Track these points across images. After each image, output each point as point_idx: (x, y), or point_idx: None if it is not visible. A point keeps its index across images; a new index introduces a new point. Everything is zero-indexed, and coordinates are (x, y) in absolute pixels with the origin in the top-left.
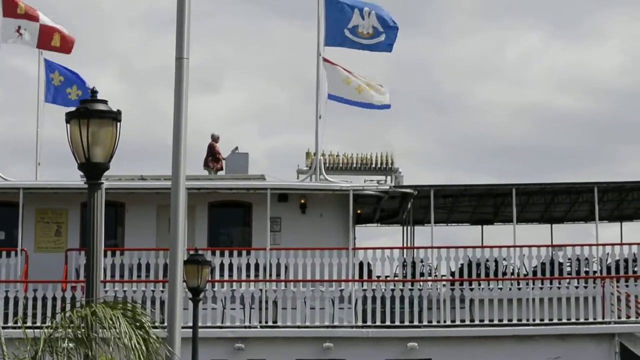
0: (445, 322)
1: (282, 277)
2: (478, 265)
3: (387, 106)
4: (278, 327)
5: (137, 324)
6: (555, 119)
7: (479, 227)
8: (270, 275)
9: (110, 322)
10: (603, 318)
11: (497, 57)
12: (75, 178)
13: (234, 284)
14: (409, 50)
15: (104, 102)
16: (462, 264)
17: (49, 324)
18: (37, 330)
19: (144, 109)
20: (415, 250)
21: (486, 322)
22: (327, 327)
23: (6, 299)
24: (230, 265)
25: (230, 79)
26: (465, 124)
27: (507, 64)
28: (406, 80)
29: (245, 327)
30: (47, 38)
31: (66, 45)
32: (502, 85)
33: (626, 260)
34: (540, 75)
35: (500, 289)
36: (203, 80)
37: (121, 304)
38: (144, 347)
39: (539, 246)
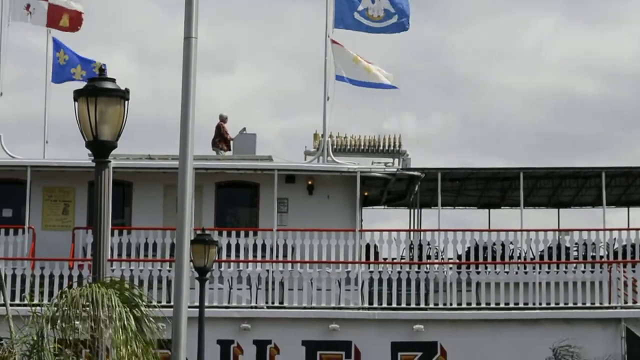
0: (451, 305)
1: (289, 258)
2: (485, 248)
3: (396, 87)
4: (284, 307)
5: (133, 303)
6: (570, 104)
7: (486, 210)
8: (277, 256)
9: (106, 301)
10: (609, 303)
11: (513, 41)
12: (83, 157)
13: (241, 264)
14: (422, 33)
15: (112, 80)
16: (468, 247)
17: (52, 302)
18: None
19: (154, 88)
20: (422, 233)
21: (492, 305)
22: (333, 308)
23: (13, 277)
24: (237, 246)
25: (245, 60)
26: (479, 109)
27: (523, 48)
28: (419, 64)
29: (251, 307)
30: (55, 17)
31: (74, 24)
32: (517, 69)
33: (633, 246)
34: (556, 59)
35: (507, 272)
36: (218, 61)
37: (118, 283)
38: (133, 326)
39: (546, 230)
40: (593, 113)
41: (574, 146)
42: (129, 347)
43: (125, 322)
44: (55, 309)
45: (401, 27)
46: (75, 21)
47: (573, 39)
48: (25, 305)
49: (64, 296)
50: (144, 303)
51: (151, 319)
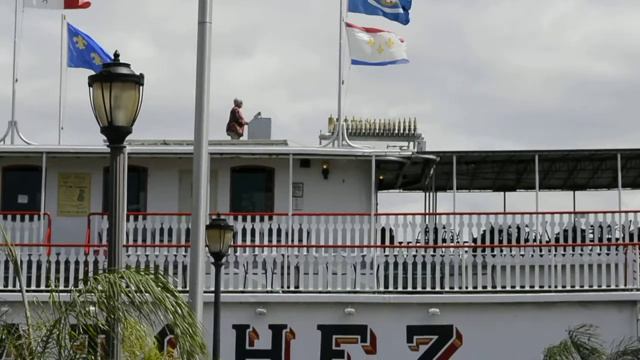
0: (467, 288)
1: (304, 243)
2: (500, 231)
3: (405, 60)
4: (300, 292)
5: (163, 288)
6: (589, 85)
7: (502, 193)
8: (292, 240)
9: (141, 288)
10: (625, 285)
11: (532, 23)
12: (99, 143)
13: (256, 249)
14: (441, 15)
15: (127, 65)
16: (484, 231)
17: (77, 288)
18: (61, 294)
19: (171, 73)
20: (437, 216)
21: (508, 288)
22: (349, 292)
23: (29, 263)
24: (253, 230)
25: (264, 43)
26: (498, 90)
27: (542, 30)
28: (436, 45)
29: (267, 292)
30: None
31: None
32: (536, 51)
33: None
34: (575, 41)
35: (522, 255)
36: (236, 45)
37: (145, 270)
38: (179, 310)
39: (561, 213)
40: (612, 94)
41: (594, 128)
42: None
43: (170, 306)
44: (79, 295)
45: (403, 19)
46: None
47: (593, 20)
48: (41, 291)
49: (97, 281)
50: (174, 289)
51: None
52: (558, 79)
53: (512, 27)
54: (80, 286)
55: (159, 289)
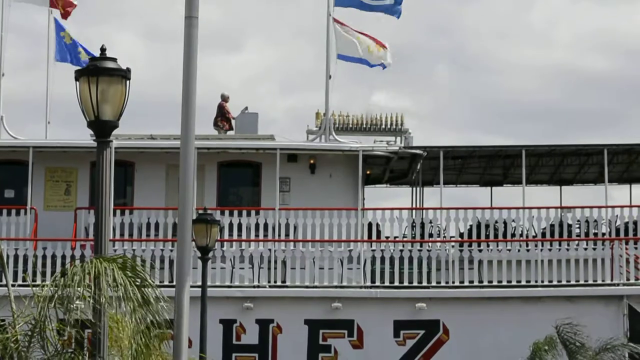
0: (453, 283)
1: (291, 237)
2: (487, 226)
3: (386, 65)
4: (287, 286)
5: (139, 279)
6: (582, 80)
7: (489, 188)
8: (279, 235)
9: (110, 273)
10: (612, 280)
11: (525, 17)
12: (86, 137)
13: (243, 243)
14: (433, 9)
15: (114, 59)
16: (471, 225)
17: (53, 281)
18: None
19: (159, 67)
20: (424, 211)
21: (495, 283)
22: (336, 287)
23: (16, 257)
24: (240, 225)
25: (254, 37)
26: (490, 86)
27: (535, 24)
28: (429, 40)
29: (254, 286)
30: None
31: (65, 14)
32: (529, 46)
33: (635, 223)
34: (568, 36)
35: (509, 250)
36: (226, 39)
37: (120, 257)
38: (139, 296)
39: (548, 208)
40: (606, 89)
41: (587, 123)
42: (133, 320)
43: (130, 294)
44: (56, 288)
45: (394, 11)
46: (66, 10)
47: (586, 14)
48: (27, 285)
49: (64, 275)
50: (148, 278)
51: (156, 292)
52: (550, 75)
53: (505, 21)
54: (57, 279)
55: (126, 276)
